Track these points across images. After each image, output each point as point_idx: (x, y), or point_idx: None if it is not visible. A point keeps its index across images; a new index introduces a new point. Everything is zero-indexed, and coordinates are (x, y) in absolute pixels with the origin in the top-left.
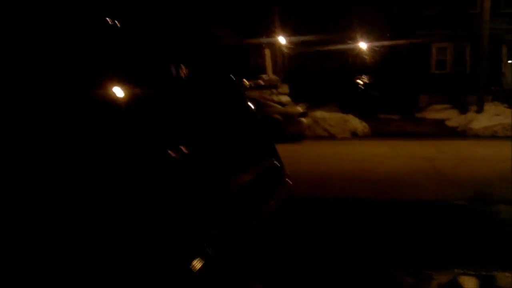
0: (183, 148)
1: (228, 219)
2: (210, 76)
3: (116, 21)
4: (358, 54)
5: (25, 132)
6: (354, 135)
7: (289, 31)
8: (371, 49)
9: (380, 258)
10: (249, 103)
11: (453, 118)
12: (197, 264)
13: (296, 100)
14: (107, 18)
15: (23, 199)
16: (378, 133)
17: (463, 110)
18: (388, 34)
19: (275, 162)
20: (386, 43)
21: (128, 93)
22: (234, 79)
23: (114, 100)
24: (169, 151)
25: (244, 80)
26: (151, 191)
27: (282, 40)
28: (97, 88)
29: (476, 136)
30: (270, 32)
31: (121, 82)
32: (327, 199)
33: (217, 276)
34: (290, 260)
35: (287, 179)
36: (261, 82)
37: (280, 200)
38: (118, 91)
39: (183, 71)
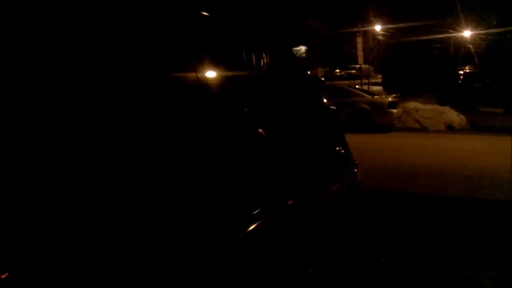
0: (261, 131)
1: (291, 195)
2: (288, 69)
3: (207, 13)
4: (460, 43)
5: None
6: (449, 128)
7: (385, 19)
8: (475, 38)
9: (458, 260)
10: (321, 95)
11: None
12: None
13: (389, 90)
14: (200, 12)
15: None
16: (476, 127)
17: None
18: (494, 22)
19: (341, 149)
20: (492, 30)
21: (216, 77)
22: (309, 72)
23: (206, 83)
24: (251, 132)
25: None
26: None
27: (376, 28)
28: (192, 72)
29: None
30: (364, 20)
31: (210, 67)
32: (408, 194)
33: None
34: (348, 247)
35: (355, 169)
36: (352, 71)
37: (344, 186)
38: (209, 75)
39: (264, 60)
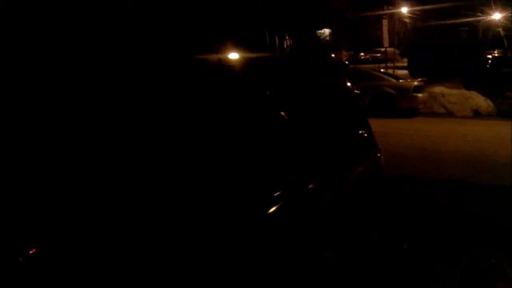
0: (283, 114)
1: (312, 178)
2: (311, 52)
3: None
4: (489, 26)
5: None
6: (476, 113)
7: (412, 1)
8: (505, 21)
9: (481, 247)
10: (345, 78)
11: None
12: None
13: (415, 74)
14: None
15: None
16: (504, 113)
17: None
18: None
19: (364, 133)
20: None
21: (241, 58)
22: (333, 56)
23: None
24: (273, 115)
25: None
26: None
27: (403, 11)
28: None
29: None
30: (390, 2)
31: (233, 48)
32: (433, 180)
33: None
34: (369, 233)
35: (378, 153)
36: (377, 55)
37: (367, 170)
38: (234, 56)
39: (288, 41)
